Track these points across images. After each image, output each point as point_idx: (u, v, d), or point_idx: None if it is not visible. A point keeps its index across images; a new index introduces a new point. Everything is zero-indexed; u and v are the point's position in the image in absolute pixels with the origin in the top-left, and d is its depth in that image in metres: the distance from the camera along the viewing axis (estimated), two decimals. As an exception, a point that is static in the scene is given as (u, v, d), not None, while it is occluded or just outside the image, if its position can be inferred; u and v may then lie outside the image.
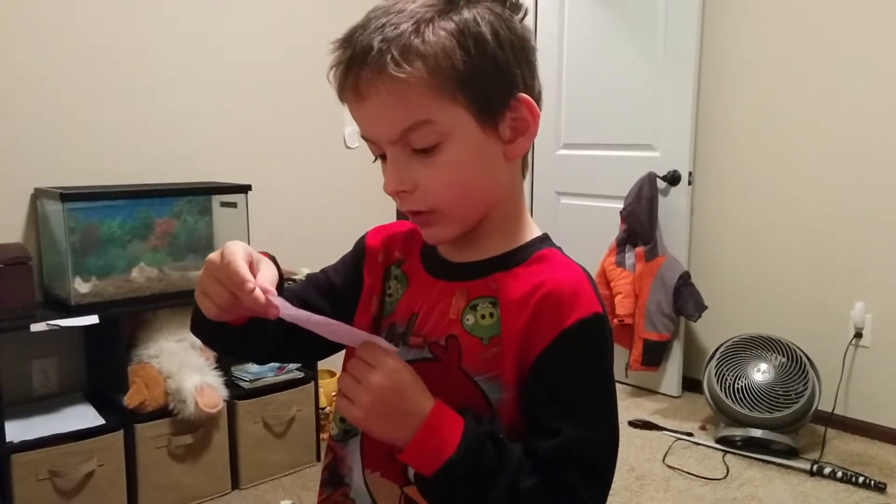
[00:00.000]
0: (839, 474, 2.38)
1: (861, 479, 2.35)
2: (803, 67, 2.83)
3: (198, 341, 0.83)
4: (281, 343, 0.80)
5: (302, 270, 2.57)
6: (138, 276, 2.28)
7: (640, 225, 3.00)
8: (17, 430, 2.02)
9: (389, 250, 0.83)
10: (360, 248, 0.85)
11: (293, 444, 2.48)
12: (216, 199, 2.51)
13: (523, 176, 0.77)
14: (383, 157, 0.71)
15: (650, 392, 3.23)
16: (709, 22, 3.02)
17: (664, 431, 2.80)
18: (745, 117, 3.01)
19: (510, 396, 0.68)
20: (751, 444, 2.58)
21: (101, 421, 2.12)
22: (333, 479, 0.81)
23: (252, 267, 0.67)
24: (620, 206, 3.08)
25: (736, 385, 2.62)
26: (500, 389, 0.69)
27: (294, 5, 2.86)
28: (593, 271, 3.11)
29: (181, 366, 2.19)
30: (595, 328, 0.67)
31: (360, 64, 0.65)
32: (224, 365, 2.36)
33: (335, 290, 0.84)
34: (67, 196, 2.10)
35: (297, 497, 2.33)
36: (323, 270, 0.87)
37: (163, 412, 2.18)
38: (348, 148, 3.03)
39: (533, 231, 0.77)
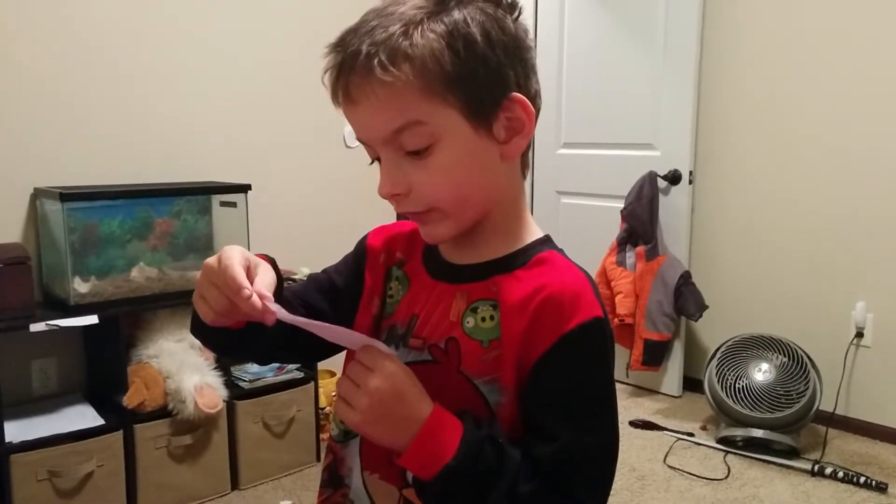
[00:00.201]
0: (840, 474, 2.38)
1: (862, 480, 2.34)
2: (804, 67, 2.83)
3: (197, 341, 0.83)
4: (281, 344, 0.79)
5: (302, 270, 2.57)
6: (138, 276, 2.28)
7: (640, 224, 3.00)
8: (17, 431, 2.01)
9: (391, 251, 0.82)
10: (362, 248, 0.85)
11: (293, 445, 2.48)
12: (216, 199, 2.50)
13: (524, 176, 0.76)
14: (380, 160, 0.70)
15: (651, 392, 3.23)
16: (709, 21, 3.01)
17: (665, 431, 2.79)
18: (745, 116, 3.01)
19: (510, 400, 0.68)
20: (752, 445, 2.57)
21: (100, 421, 2.12)
22: (333, 480, 0.80)
23: (249, 272, 0.67)
24: (621, 205, 3.08)
25: (737, 385, 2.61)
26: (499, 393, 0.68)
27: (294, 5, 2.86)
28: (594, 271, 3.11)
29: (181, 366, 2.19)
30: (595, 332, 0.67)
31: (349, 68, 0.65)
32: (224, 365, 2.36)
33: (336, 290, 0.84)
34: (67, 196, 2.10)
35: (297, 497, 2.32)
36: (324, 271, 0.87)
37: (162, 412, 2.17)
38: (348, 147, 3.02)
39: (534, 232, 0.76)
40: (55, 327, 2.03)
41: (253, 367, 2.49)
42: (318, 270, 0.88)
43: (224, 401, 2.26)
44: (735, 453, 2.59)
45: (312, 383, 2.54)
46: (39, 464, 1.98)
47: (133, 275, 2.27)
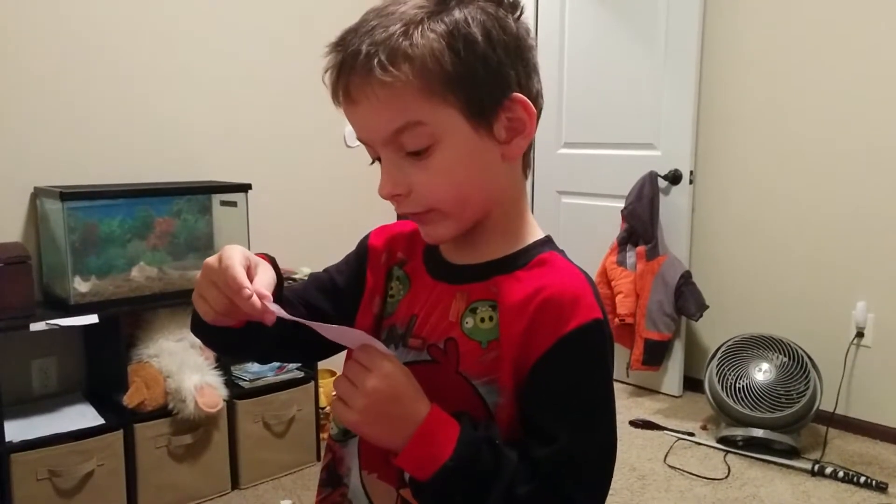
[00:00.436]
0: (840, 474, 2.38)
1: (862, 479, 2.34)
2: (804, 66, 2.82)
3: (198, 341, 0.83)
4: (281, 343, 0.79)
5: (303, 269, 2.57)
6: (138, 276, 2.28)
7: (641, 224, 3.00)
8: (17, 430, 2.01)
9: (392, 251, 0.82)
10: (363, 248, 0.85)
11: (293, 444, 2.48)
12: (216, 199, 2.50)
13: (525, 176, 0.76)
14: (381, 160, 0.70)
15: (651, 392, 3.22)
16: (710, 20, 3.01)
17: (665, 431, 2.79)
18: (746, 116, 3.01)
19: (508, 401, 0.68)
20: (752, 444, 2.57)
21: (100, 420, 2.12)
22: (332, 480, 0.80)
23: (249, 271, 0.67)
24: (621, 205, 3.08)
25: (737, 385, 2.61)
26: (497, 393, 0.68)
27: (294, 5, 2.85)
28: (594, 270, 3.11)
29: (181, 365, 2.19)
30: (594, 334, 0.67)
31: (350, 68, 0.65)
32: (224, 364, 2.36)
33: (338, 289, 0.84)
34: (67, 195, 2.10)
35: (297, 497, 2.32)
36: (326, 270, 0.87)
37: (162, 412, 2.18)
38: (348, 147, 3.02)
39: (535, 233, 0.76)
40: (55, 327, 2.03)
41: (253, 367, 2.49)
42: (319, 270, 0.88)
43: (224, 400, 2.26)
44: (735, 453, 2.59)
45: (313, 383, 2.54)
46: (39, 463, 1.98)
47: (133, 274, 2.27)
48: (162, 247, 2.36)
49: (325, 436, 2.53)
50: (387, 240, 0.83)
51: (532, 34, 0.72)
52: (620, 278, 3.05)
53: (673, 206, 3.06)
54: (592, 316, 0.66)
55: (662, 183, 3.07)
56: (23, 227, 2.26)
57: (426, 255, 0.79)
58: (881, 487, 2.32)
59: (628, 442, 2.70)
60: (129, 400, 2.12)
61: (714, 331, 3.11)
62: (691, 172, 3.04)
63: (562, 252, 0.75)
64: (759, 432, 2.55)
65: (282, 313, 0.66)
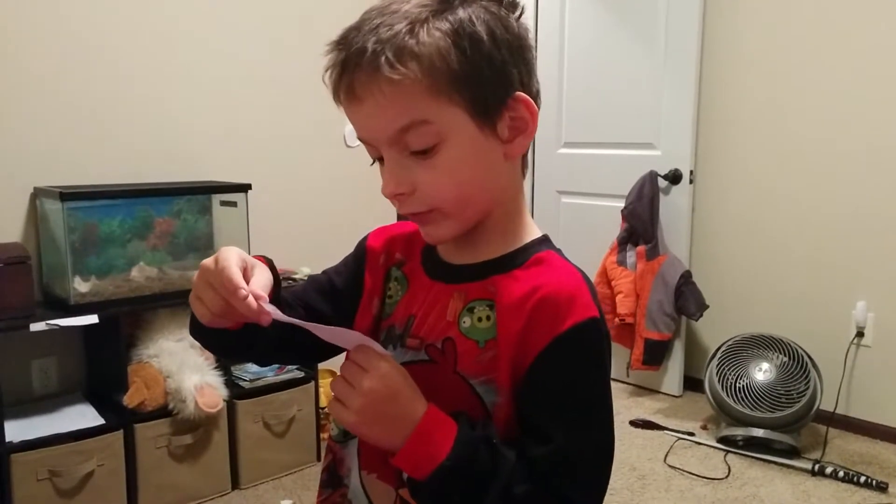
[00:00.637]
0: (841, 474, 2.38)
1: (863, 479, 2.34)
2: (804, 65, 2.82)
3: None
4: (279, 345, 0.79)
5: (302, 270, 2.57)
6: (138, 276, 2.28)
7: (641, 224, 3.00)
8: (17, 430, 2.01)
9: (391, 252, 0.82)
10: (362, 249, 0.84)
11: (293, 444, 2.48)
12: (216, 199, 2.50)
13: (523, 175, 0.76)
14: (381, 160, 0.70)
15: (651, 391, 3.22)
16: (710, 20, 3.01)
17: (665, 431, 2.79)
18: (746, 116, 3.00)
19: (505, 400, 0.68)
20: (752, 444, 2.57)
21: (100, 421, 2.12)
22: (333, 480, 0.80)
23: (246, 273, 0.67)
24: (621, 204, 3.08)
25: (737, 384, 2.61)
26: (495, 393, 0.68)
27: (294, 5, 2.85)
28: (594, 270, 3.11)
29: (181, 365, 2.19)
30: (591, 333, 0.67)
31: (354, 66, 0.64)
32: (224, 364, 2.36)
33: (336, 291, 0.84)
34: (67, 195, 2.10)
35: (297, 497, 2.32)
36: (324, 272, 0.87)
37: (162, 412, 2.18)
38: (348, 147, 3.02)
39: (533, 232, 0.76)
40: (55, 327, 2.03)
41: (253, 367, 2.49)
42: (319, 270, 0.88)
43: (224, 400, 2.26)
44: (735, 453, 2.58)
45: (313, 383, 2.54)
46: (40, 463, 1.98)
47: (133, 274, 2.27)
48: (162, 247, 2.36)
49: (325, 436, 2.53)
50: (385, 241, 0.83)
51: (531, 34, 0.72)
52: (620, 278, 3.05)
53: (673, 206, 3.06)
54: (588, 314, 0.66)
55: (662, 183, 3.07)
56: (23, 228, 2.26)
57: (424, 256, 0.79)
58: (881, 487, 2.32)
59: (628, 442, 2.70)
60: (129, 400, 2.12)
61: (714, 330, 3.11)
62: (691, 172, 3.04)
63: (559, 251, 0.75)
64: (759, 432, 2.55)
65: (278, 314, 0.66)
